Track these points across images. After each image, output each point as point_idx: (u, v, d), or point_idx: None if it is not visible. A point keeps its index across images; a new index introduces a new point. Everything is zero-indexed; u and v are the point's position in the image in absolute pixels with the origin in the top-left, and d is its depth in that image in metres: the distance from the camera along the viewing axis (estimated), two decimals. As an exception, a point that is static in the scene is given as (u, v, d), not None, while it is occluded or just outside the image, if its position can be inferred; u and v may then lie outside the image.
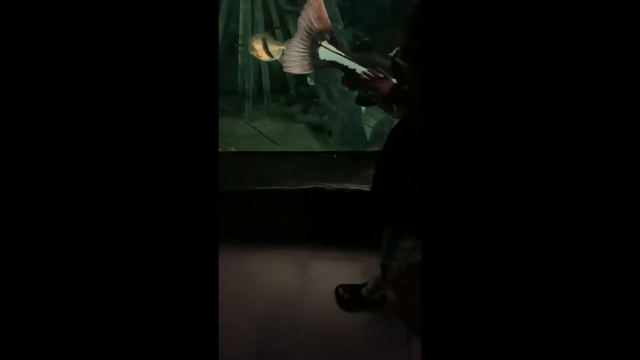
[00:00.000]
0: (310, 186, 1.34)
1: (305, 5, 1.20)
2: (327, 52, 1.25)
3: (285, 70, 1.28)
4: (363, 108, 3.03)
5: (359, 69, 1.27)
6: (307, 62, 1.26)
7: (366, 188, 1.34)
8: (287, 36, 2.88)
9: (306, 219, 1.47)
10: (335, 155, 1.48)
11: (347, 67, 1.28)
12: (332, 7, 2.35)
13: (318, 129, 2.92)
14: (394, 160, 1.00)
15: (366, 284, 1.38)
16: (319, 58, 1.26)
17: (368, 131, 2.96)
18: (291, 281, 1.48)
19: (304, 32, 1.23)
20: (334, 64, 1.27)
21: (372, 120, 2.94)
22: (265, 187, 1.36)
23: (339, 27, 2.46)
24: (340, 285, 1.42)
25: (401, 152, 0.96)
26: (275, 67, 2.86)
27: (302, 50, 1.24)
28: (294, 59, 1.24)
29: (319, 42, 1.23)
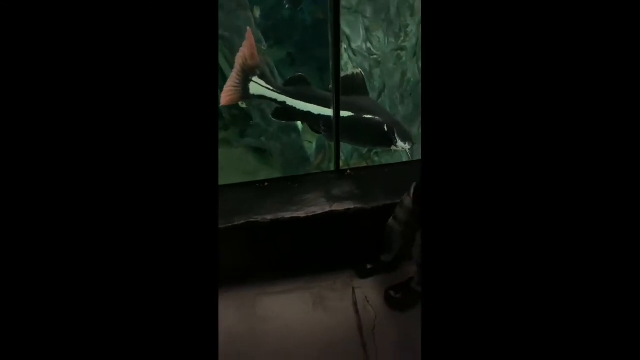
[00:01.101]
0: (242, 222, 1.24)
1: (244, 43, 1.33)
2: (257, 87, 1.38)
3: (222, 103, 1.38)
4: (300, 125, 3.02)
5: (289, 101, 1.39)
6: (238, 95, 1.39)
7: (302, 214, 1.28)
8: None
9: (245, 256, 1.37)
10: (266, 184, 1.40)
11: (276, 100, 1.41)
12: (254, 28, 2.32)
13: (258, 151, 2.83)
14: None
15: (412, 277, 1.31)
16: (249, 92, 1.39)
17: (309, 148, 2.95)
18: (239, 324, 1.35)
19: (238, 68, 1.36)
20: (263, 97, 1.40)
21: (312, 137, 2.95)
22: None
23: (263, 47, 2.42)
24: (390, 288, 1.35)
25: None
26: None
27: (235, 84, 1.37)
28: (227, 91, 1.36)
29: (250, 78, 1.36)
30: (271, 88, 1.41)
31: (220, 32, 2.24)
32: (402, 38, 2.58)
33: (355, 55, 2.75)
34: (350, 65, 2.83)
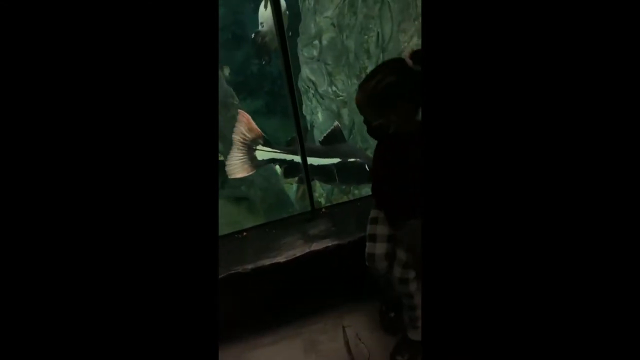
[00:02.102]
0: (223, 274, 1.24)
1: (237, 123, 1.56)
2: (263, 153, 1.59)
3: (230, 176, 1.57)
4: (278, 169, 3.10)
5: (295, 158, 1.58)
6: (247, 165, 1.59)
7: (282, 259, 1.29)
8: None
9: (229, 309, 1.34)
10: (244, 233, 1.42)
11: (284, 159, 1.63)
12: (225, 87, 2.46)
13: (239, 201, 2.85)
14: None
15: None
16: (257, 159, 1.59)
17: (289, 189, 3.00)
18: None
19: (239, 143, 1.58)
20: (272, 160, 1.61)
21: (294, 182, 3.00)
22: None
23: (235, 102, 2.56)
24: (395, 352, 1.27)
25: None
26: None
27: (240, 157, 1.58)
28: (235, 165, 1.56)
29: (254, 148, 1.56)
30: (277, 151, 1.64)
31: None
32: (362, 78, 2.78)
33: (322, 98, 2.93)
34: (319, 109, 2.99)
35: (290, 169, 1.66)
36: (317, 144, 1.78)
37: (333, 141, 1.73)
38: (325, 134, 1.74)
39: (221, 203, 2.81)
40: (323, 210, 1.53)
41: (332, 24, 2.60)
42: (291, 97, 1.27)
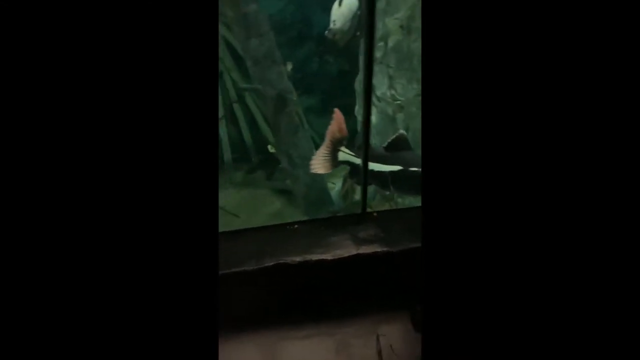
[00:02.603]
0: (271, 263, 1.27)
1: (332, 121, 1.62)
2: (344, 155, 1.67)
3: (312, 170, 1.65)
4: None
5: (355, 161, 1.67)
6: (329, 163, 1.67)
7: (329, 257, 1.29)
8: (245, 110, 3.01)
9: (271, 298, 1.37)
10: (296, 226, 1.45)
11: (354, 163, 1.71)
12: (285, 82, 2.53)
13: (283, 193, 2.92)
14: None
15: None
16: (337, 160, 1.67)
17: (332, 192, 3.01)
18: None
19: (329, 141, 1.64)
20: (347, 162, 1.69)
21: (337, 182, 3.01)
22: (224, 271, 1.28)
23: (293, 97, 2.61)
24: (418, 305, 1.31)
25: None
26: (234, 137, 2.92)
27: (326, 154, 1.65)
28: (320, 162, 1.65)
29: (338, 148, 1.64)
30: (354, 154, 1.70)
31: (255, 84, 2.45)
32: (424, 86, 2.70)
33: (379, 101, 2.89)
34: (374, 111, 2.96)
35: (354, 172, 1.71)
36: (381, 149, 1.78)
37: (397, 148, 1.72)
38: (389, 140, 1.74)
39: (265, 193, 2.89)
40: (375, 214, 1.51)
41: (401, 26, 2.55)
42: (366, 101, 1.26)
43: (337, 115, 1.62)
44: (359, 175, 1.67)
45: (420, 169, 1.68)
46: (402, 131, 1.83)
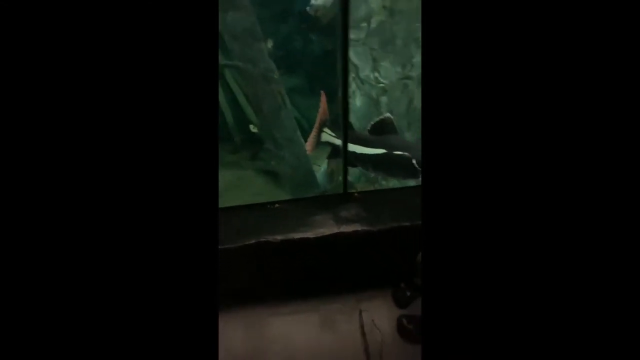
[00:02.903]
0: (253, 241, 1.29)
1: (321, 102, 1.70)
2: (326, 135, 1.73)
3: (309, 151, 1.83)
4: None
5: (351, 148, 1.67)
6: (314, 143, 1.77)
7: (311, 235, 1.32)
8: (225, 88, 2.93)
9: (254, 276, 1.40)
10: (277, 205, 1.46)
11: (334, 143, 1.76)
12: (266, 59, 2.46)
13: (268, 174, 2.90)
14: None
15: None
16: (320, 140, 1.75)
17: (318, 173, 3.01)
18: (247, 344, 1.36)
19: (319, 123, 1.72)
20: (328, 143, 1.76)
21: (322, 164, 3.01)
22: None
23: (275, 76, 2.56)
24: (404, 316, 1.36)
25: None
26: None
27: (315, 134, 1.75)
28: (310, 141, 1.76)
29: (322, 129, 1.71)
30: (334, 135, 1.77)
31: (235, 62, 2.38)
32: (408, 68, 2.70)
33: (363, 83, 2.88)
34: (358, 93, 2.94)
35: (334, 153, 1.75)
36: (366, 132, 1.79)
37: (381, 131, 1.73)
38: (373, 123, 1.76)
39: (251, 174, 2.86)
40: (356, 194, 1.53)
41: (384, 7, 2.51)
42: (344, 83, 1.26)
43: (323, 97, 1.67)
44: (337, 154, 1.72)
45: (405, 153, 1.70)
46: (387, 114, 1.83)
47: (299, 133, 2.78)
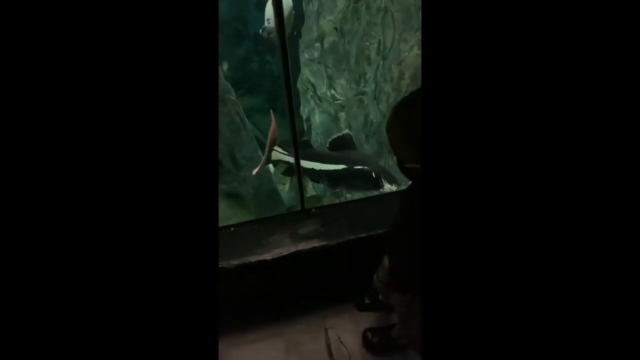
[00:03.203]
0: (208, 268, 1.23)
1: (272, 123, 1.75)
2: (276, 154, 1.79)
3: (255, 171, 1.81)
4: (272, 168, 3.09)
5: (310, 165, 1.78)
6: (267, 162, 1.82)
7: (269, 257, 1.29)
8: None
9: (212, 304, 1.33)
10: (232, 229, 1.42)
11: (288, 161, 1.81)
12: (223, 82, 2.46)
13: (231, 197, 2.84)
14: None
15: (394, 324, 1.27)
16: (270, 158, 1.80)
17: (282, 189, 2.99)
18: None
19: (270, 142, 1.75)
20: (279, 160, 1.81)
21: (286, 181, 3.00)
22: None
23: (232, 97, 2.55)
24: (368, 329, 1.32)
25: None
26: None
27: (267, 154, 1.78)
28: (262, 162, 1.80)
29: (272, 148, 1.75)
30: (285, 153, 1.81)
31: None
32: (362, 84, 2.80)
33: (321, 101, 2.94)
34: (317, 110, 3.00)
35: (290, 170, 1.79)
36: (325, 148, 1.86)
37: (341, 147, 1.79)
38: (332, 139, 1.81)
39: (212, 198, 2.78)
40: (313, 210, 1.53)
41: (335, 28, 2.62)
42: (288, 99, 1.28)
43: (272, 116, 1.73)
44: (293, 171, 1.72)
45: (365, 167, 1.76)
46: (346, 130, 1.91)
47: (260, 152, 2.77)
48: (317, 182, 1.86)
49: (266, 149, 1.78)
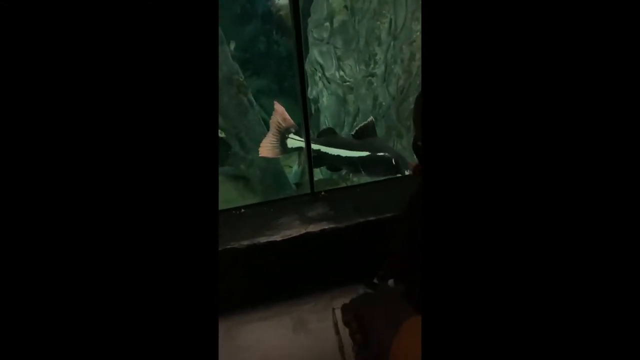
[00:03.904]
0: (219, 249, 1.25)
1: (274, 112, 1.75)
2: (293, 142, 1.78)
3: (261, 154, 1.77)
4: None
5: (323, 148, 1.83)
6: (277, 149, 1.79)
7: (278, 238, 1.30)
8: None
9: (222, 284, 1.36)
10: (242, 210, 1.43)
11: (319, 150, 1.83)
12: (230, 62, 2.42)
13: (238, 179, 2.85)
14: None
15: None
16: (287, 146, 1.79)
17: (289, 172, 3.00)
18: (221, 357, 1.32)
19: (275, 130, 1.77)
20: (299, 148, 1.79)
21: (294, 165, 2.99)
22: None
23: (240, 78, 2.52)
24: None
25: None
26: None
27: (273, 141, 1.78)
28: (267, 147, 1.77)
29: (286, 135, 1.74)
30: (302, 139, 1.79)
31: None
32: (371, 66, 2.74)
33: (329, 82, 2.89)
34: (325, 92, 2.96)
35: (316, 158, 1.83)
36: (349, 136, 1.92)
37: (365, 135, 1.87)
38: (358, 128, 1.90)
39: (220, 180, 2.80)
40: (322, 193, 1.53)
41: (345, 7, 2.54)
42: (301, 83, 1.26)
43: (277, 107, 1.73)
44: (328, 161, 1.85)
45: (386, 153, 1.86)
46: (371, 118, 1.96)
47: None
48: (341, 169, 1.95)
49: (274, 136, 1.79)
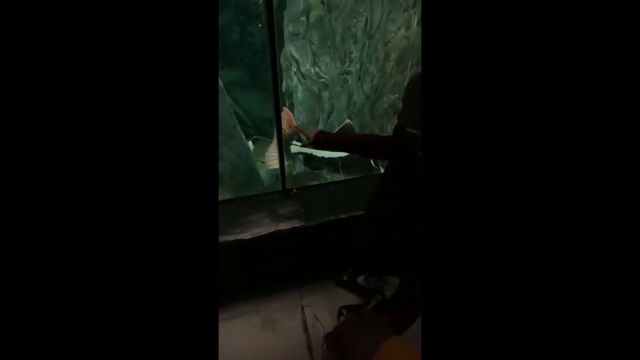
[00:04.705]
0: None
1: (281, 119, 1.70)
2: (295, 147, 1.83)
3: (267, 166, 1.73)
4: (251, 146, 3.02)
5: (314, 152, 1.91)
6: (277, 156, 1.74)
7: (247, 236, 1.27)
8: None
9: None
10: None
11: (309, 152, 1.96)
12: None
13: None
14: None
15: (369, 303, 1.29)
16: (290, 153, 1.83)
17: (261, 168, 2.94)
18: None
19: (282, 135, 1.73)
20: (301, 153, 1.91)
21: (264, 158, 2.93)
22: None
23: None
24: (344, 307, 1.33)
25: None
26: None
27: (278, 148, 1.74)
28: (272, 157, 1.70)
29: (290, 142, 1.73)
30: (299, 144, 1.89)
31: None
32: (347, 63, 2.74)
33: (304, 78, 2.86)
34: (300, 88, 2.92)
35: (309, 159, 1.93)
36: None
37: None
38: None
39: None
40: (294, 191, 1.51)
41: (322, 2, 2.51)
42: (273, 79, 1.22)
43: (285, 113, 1.67)
44: (313, 162, 1.94)
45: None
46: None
47: (239, 128, 2.68)
48: (321, 168, 2.02)
49: (276, 144, 1.70)
